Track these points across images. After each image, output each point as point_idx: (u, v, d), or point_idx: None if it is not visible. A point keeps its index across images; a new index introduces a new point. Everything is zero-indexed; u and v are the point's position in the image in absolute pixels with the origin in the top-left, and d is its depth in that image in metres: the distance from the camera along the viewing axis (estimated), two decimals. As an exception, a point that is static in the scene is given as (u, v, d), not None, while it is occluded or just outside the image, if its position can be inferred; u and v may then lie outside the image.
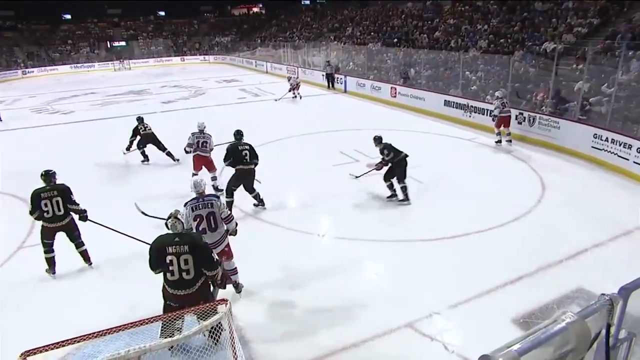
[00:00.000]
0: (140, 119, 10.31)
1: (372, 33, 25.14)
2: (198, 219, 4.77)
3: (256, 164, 7.27)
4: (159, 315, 3.70)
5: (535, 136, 10.82)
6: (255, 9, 56.07)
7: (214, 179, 8.50)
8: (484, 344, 1.65)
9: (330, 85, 20.83)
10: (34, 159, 10.87)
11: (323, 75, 21.48)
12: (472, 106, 12.86)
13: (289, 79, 18.92)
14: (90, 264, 5.91)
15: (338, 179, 8.85)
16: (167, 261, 3.85)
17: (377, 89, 17.49)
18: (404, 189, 7.51)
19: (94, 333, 2.96)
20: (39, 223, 5.67)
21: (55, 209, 5.50)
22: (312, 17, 36.75)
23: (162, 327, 3.57)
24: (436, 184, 8.38)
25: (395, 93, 16.39)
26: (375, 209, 7.46)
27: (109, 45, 44.31)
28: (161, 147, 10.24)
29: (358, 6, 31.46)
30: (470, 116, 12.90)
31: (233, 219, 4.94)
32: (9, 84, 31.47)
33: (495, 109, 10.51)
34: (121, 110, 17.68)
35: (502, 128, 10.67)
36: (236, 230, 5.14)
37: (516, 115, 11.22)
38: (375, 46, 22.42)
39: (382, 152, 7.47)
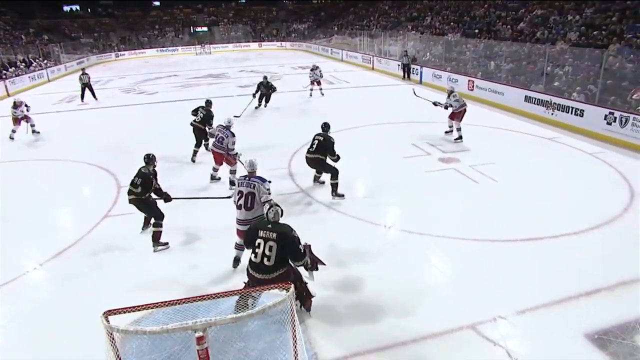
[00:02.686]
0: (208, 102, 9.99)
1: (451, 23, 24.23)
2: (239, 195, 5.17)
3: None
4: (233, 291, 3.89)
5: (627, 139, 9.94)
6: (333, -3, 56.00)
7: (232, 172, 8.13)
8: (551, 355, 1.57)
9: (406, 75, 20.39)
10: (121, 135, 11.72)
11: (399, 65, 21.06)
12: (555, 103, 12.05)
13: (312, 74, 17.10)
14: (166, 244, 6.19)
15: (408, 171, 8.70)
16: (256, 244, 4.18)
17: (454, 81, 16.91)
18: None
19: (167, 302, 3.15)
20: (124, 194, 6.33)
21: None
22: (390, 5, 36.05)
23: (236, 302, 3.95)
24: (512, 183, 7.98)
25: (473, 86, 15.73)
26: (445, 205, 7.24)
27: (192, 31, 46.40)
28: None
29: (439, -5, 30.43)
30: (552, 114, 12.09)
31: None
32: (104, 65, 34.14)
33: (454, 101, 10.29)
34: (200, 92, 18.48)
35: (454, 120, 10.47)
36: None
37: (605, 115, 10.38)
38: (455, 37, 21.61)
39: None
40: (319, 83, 17.04)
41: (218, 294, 3.44)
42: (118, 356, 3.13)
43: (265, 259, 4.12)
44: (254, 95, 14.60)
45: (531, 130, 11.46)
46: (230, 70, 26.43)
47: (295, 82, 20.14)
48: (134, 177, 5.94)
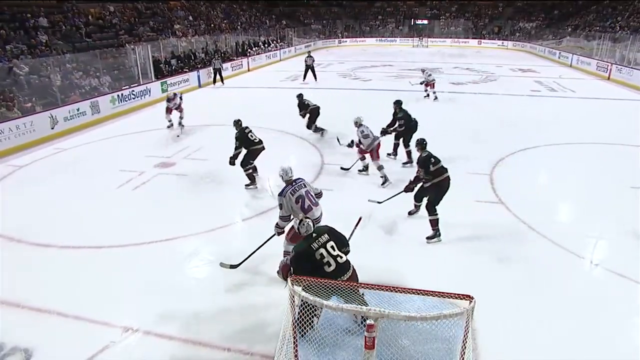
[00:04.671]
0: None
1: None
2: (300, 200, 4.99)
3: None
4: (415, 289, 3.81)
5: None
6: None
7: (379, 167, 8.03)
8: None
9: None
10: (330, 115, 12.42)
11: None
12: None
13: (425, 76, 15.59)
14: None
15: (626, 202, 7.28)
16: (318, 257, 3.94)
17: None
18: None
19: (347, 283, 3.25)
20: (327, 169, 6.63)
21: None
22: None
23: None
24: None
25: None
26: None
27: (412, 23, 46.79)
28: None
29: None
30: None
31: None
32: (327, 50, 37.17)
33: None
34: (411, 84, 18.65)
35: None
36: None
37: None
38: None
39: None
40: (432, 86, 15.53)
41: (404, 289, 3.40)
42: (294, 318, 3.39)
43: (338, 259, 3.96)
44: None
45: None
46: (445, 65, 25.90)
47: (512, 86, 18.68)
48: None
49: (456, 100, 15.76)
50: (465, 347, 3.27)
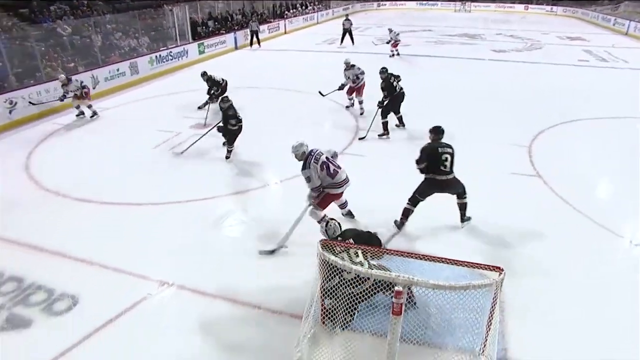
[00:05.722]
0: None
1: None
2: (324, 167, 4.99)
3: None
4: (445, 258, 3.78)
5: None
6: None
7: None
8: None
9: None
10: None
11: None
12: None
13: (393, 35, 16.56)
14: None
15: None
16: (351, 254, 3.78)
17: None
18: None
19: (378, 249, 3.27)
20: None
21: None
22: None
23: None
24: None
25: None
26: None
27: (456, -15, 44.72)
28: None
29: None
30: None
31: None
32: (365, 13, 36.19)
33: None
34: (451, 50, 18.02)
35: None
36: None
37: None
38: None
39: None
40: (396, 45, 16.53)
41: (433, 257, 3.41)
42: (323, 281, 3.47)
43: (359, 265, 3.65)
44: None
45: None
46: (487, 32, 24.82)
47: (558, 55, 17.77)
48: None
49: (498, 69, 15.18)
50: (492, 319, 3.27)
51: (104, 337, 3.92)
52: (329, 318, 3.80)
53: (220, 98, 7.89)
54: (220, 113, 7.63)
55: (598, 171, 7.36)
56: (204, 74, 10.13)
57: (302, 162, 5.08)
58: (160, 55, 14.43)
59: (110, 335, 3.94)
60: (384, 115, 8.51)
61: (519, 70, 15.10)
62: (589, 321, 4.17)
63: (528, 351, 3.81)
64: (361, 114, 9.82)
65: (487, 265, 3.27)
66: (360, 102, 9.87)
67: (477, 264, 3.37)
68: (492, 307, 3.22)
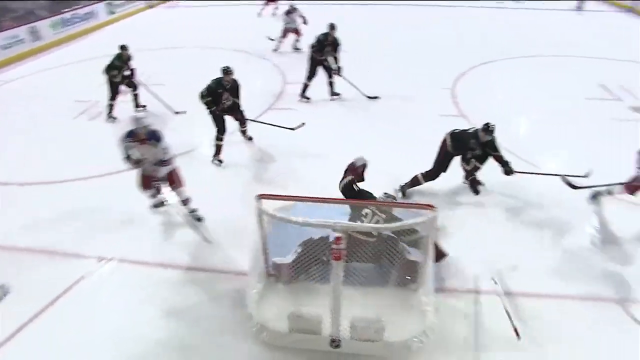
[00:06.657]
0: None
1: None
2: None
3: None
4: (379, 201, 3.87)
5: None
6: None
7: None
8: None
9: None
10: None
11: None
12: None
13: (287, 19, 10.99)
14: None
15: (590, 117, 7.47)
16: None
17: None
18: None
19: (315, 197, 3.32)
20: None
21: None
22: None
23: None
24: None
25: None
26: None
27: None
28: None
29: None
30: None
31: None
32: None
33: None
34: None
35: None
36: None
37: None
38: None
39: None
40: (297, 33, 11.03)
41: (365, 202, 3.51)
42: (264, 236, 3.51)
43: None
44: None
45: None
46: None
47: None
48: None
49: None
50: (427, 257, 3.47)
51: (44, 322, 3.77)
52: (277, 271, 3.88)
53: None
54: None
55: (516, 108, 7.81)
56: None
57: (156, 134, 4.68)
58: (63, 18, 13.15)
59: (51, 319, 3.80)
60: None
61: (441, 14, 15.34)
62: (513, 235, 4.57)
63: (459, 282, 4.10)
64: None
65: (421, 204, 3.43)
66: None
67: (411, 203, 3.55)
68: (427, 243, 3.40)
